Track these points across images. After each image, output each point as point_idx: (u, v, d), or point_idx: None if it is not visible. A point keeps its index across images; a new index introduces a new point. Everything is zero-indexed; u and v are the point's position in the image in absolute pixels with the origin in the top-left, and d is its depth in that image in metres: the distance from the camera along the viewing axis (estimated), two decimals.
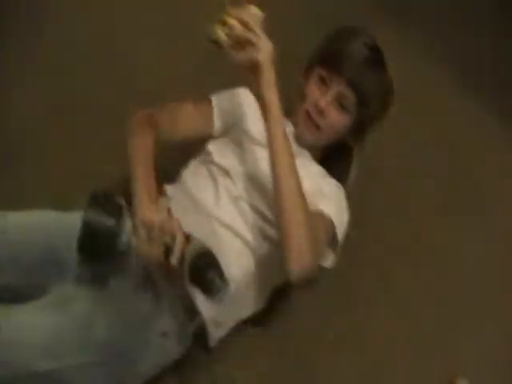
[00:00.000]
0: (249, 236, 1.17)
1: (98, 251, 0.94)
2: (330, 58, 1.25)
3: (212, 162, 1.28)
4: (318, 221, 1.13)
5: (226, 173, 1.24)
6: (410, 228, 1.70)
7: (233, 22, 0.98)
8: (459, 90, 2.05)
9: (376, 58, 1.25)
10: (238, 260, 1.16)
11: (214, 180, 1.24)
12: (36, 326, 0.98)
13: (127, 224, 0.95)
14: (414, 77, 1.95)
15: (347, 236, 1.27)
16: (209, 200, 1.20)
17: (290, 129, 1.29)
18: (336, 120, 1.25)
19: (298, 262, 1.04)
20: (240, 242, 1.17)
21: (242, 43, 0.99)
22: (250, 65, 1.01)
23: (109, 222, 0.92)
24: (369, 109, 1.26)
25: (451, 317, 1.53)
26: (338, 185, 1.31)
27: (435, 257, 1.66)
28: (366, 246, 1.60)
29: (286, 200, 1.04)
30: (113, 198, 0.97)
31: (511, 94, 2.12)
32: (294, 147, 1.25)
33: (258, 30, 0.99)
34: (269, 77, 1.02)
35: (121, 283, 1.09)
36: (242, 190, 1.21)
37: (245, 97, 1.34)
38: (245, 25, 0.98)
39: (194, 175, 1.29)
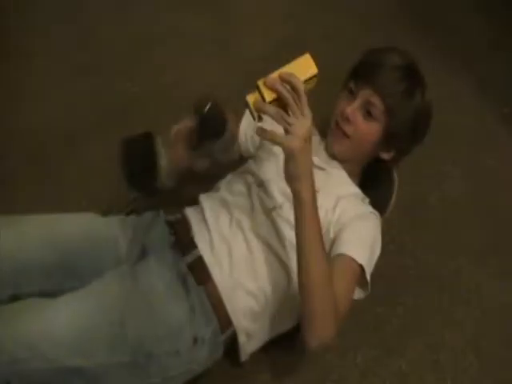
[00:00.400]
0: (282, 250, 1.14)
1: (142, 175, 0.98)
2: (359, 69, 1.24)
3: (249, 172, 1.27)
4: (344, 272, 1.08)
5: (262, 183, 1.22)
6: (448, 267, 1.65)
7: (267, 95, 0.87)
8: None
9: (407, 71, 1.21)
10: (270, 273, 1.13)
11: (249, 189, 1.22)
12: (67, 320, 0.96)
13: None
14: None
15: None
16: (243, 209, 1.18)
17: (323, 148, 1.30)
18: (363, 128, 1.22)
19: (317, 339, 1.03)
20: (273, 256, 1.14)
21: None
22: None
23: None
24: (398, 119, 1.20)
25: None
26: (374, 212, 1.25)
27: None
28: None
29: (310, 283, 0.99)
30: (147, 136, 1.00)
31: None
32: (328, 166, 1.26)
33: (292, 103, 0.88)
34: (299, 170, 0.92)
35: (154, 281, 1.07)
36: (276, 202, 1.18)
37: None
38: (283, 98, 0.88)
39: (229, 183, 1.28)
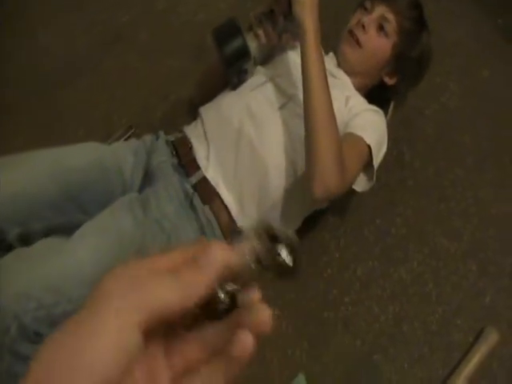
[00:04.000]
0: (289, 146, 1.15)
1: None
2: None
3: (259, 72, 1.28)
4: (352, 146, 1.12)
5: (273, 78, 1.23)
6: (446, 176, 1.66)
7: None
8: None
9: (419, 4, 1.30)
10: (276, 170, 1.15)
11: (259, 86, 1.22)
12: (87, 258, 0.94)
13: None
14: None
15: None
16: (250, 107, 1.18)
17: (331, 57, 1.32)
18: (376, 40, 1.25)
19: (321, 183, 1.02)
20: (283, 153, 1.15)
21: None
22: None
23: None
24: (408, 45, 1.27)
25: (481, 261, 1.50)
26: (380, 111, 1.29)
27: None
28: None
29: (315, 121, 1.03)
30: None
31: None
32: (337, 73, 1.27)
33: None
34: None
35: (164, 207, 1.07)
36: (286, 95, 1.19)
37: None
38: None
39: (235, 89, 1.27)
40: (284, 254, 0.32)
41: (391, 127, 1.39)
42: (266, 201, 1.15)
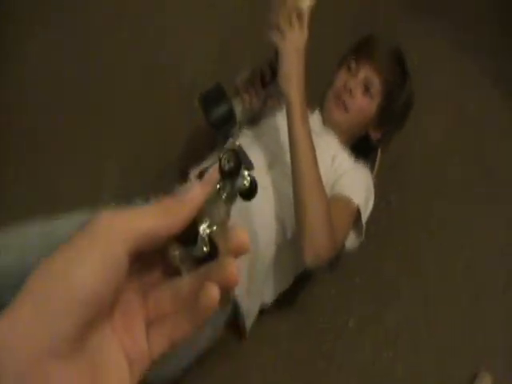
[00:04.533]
0: (278, 207, 1.17)
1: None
2: (361, 47, 1.32)
3: (244, 134, 1.30)
4: (341, 208, 1.14)
5: (258, 140, 1.25)
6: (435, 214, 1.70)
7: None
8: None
9: (402, 58, 1.33)
10: (265, 229, 1.16)
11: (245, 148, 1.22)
12: None
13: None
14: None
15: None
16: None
17: (317, 116, 1.33)
18: (362, 102, 1.28)
19: (312, 249, 1.05)
20: (271, 213, 1.17)
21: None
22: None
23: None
24: (392, 101, 1.30)
25: (476, 308, 1.52)
26: (366, 168, 1.32)
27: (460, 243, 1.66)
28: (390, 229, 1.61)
29: (302, 188, 1.05)
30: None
31: None
32: (322, 132, 1.29)
33: (293, 18, 0.98)
34: (287, 69, 1.02)
35: None
36: (272, 158, 1.21)
37: None
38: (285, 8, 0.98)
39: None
40: (245, 181, 0.37)
41: (377, 177, 1.42)
42: (256, 260, 1.16)
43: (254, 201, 1.01)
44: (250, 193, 0.37)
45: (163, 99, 1.71)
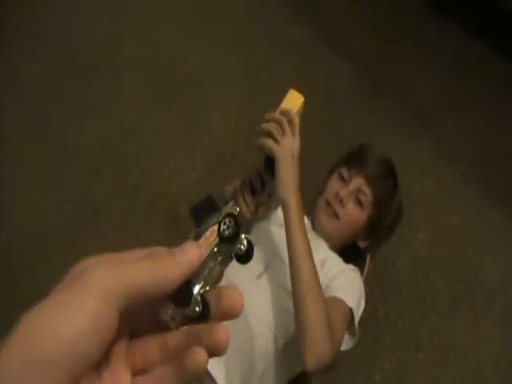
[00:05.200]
0: (270, 315, 1.17)
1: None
2: (353, 158, 1.35)
3: None
4: (336, 310, 1.14)
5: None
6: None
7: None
8: None
9: (392, 169, 1.36)
10: (258, 339, 1.15)
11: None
12: None
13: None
14: None
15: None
16: (230, 277, 1.18)
17: (306, 221, 1.33)
18: (353, 213, 1.30)
19: (314, 353, 1.02)
20: (263, 321, 1.17)
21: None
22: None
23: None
24: (383, 212, 1.32)
25: None
26: (356, 269, 1.32)
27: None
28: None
29: (302, 292, 1.04)
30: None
31: None
32: (312, 236, 1.29)
33: (286, 125, 1.05)
34: (284, 174, 1.05)
35: None
36: (263, 266, 1.22)
37: None
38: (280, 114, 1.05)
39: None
40: (242, 245, 0.37)
41: (364, 284, 1.46)
42: (250, 368, 1.16)
43: (246, 310, 1.05)
44: (245, 256, 0.38)
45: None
